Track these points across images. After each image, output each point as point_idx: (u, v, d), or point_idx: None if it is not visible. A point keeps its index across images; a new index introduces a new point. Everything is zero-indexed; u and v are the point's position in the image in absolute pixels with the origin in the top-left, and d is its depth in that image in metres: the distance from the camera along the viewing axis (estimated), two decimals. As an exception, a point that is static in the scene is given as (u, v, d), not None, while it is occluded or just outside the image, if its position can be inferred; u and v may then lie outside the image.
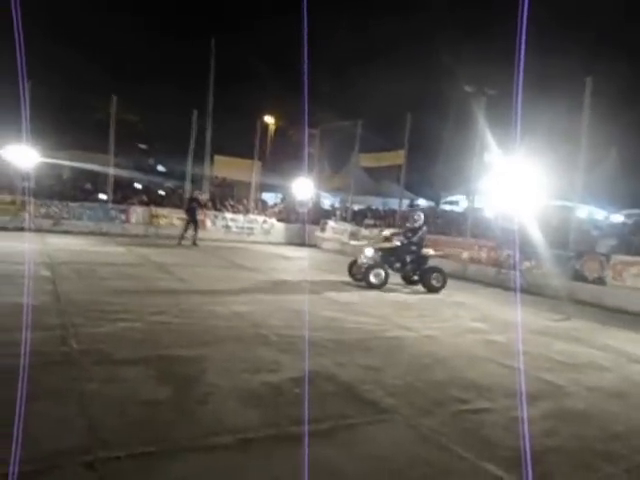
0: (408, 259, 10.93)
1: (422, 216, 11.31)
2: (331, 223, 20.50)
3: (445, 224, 17.17)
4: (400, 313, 8.19)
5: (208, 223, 19.77)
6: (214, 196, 22.44)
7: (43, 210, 17.23)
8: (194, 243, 16.64)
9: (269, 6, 31.46)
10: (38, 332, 5.16)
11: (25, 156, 16.89)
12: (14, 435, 3.03)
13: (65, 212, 17.72)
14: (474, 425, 3.96)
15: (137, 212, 19.16)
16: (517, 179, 12.14)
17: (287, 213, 22.53)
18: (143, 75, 30.21)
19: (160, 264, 11.52)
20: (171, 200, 21.41)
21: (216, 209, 20.94)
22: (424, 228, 11.17)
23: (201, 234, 17.37)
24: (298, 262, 14.78)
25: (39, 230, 15.81)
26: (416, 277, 11.05)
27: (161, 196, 22.74)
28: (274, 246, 19.54)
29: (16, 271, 8.65)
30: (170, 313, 6.67)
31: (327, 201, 28.00)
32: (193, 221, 16.96)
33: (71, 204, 17.99)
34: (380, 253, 10.80)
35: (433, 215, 18.62)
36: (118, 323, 5.93)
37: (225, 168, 23.15)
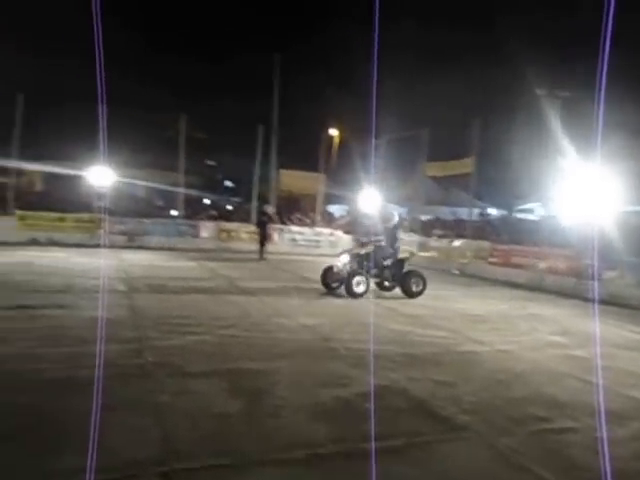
0: (385, 263, 10.27)
1: (396, 215, 10.86)
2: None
3: (519, 233, 16.51)
4: (472, 326, 7.89)
5: (275, 237, 20.05)
6: (280, 210, 22.77)
7: (119, 227, 18.06)
8: (262, 257, 16.90)
9: (331, 18, 31.71)
10: (115, 345, 5.35)
11: (103, 176, 17.85)
12: (92, 445, 3.11)
13: (139, 229, 18.51)
14: (556, 445, 3.70)
15: (206, 227, 19.72)
16: (595, 184, 11.49)
17: (353, 225, 22.47)
18: (211, 92, 31.23)
19: (229, 278, 11.76)
20: (239, 215, 21.90)
21: (283, 223, 21.20)
22: (399, 228, 10.66)
23: (269, 248, 17.61)
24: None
25: (115, 246, 16.56)
26: (387, 283, 10.42)
27: (229, 211, 23.32)
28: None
29: (94, 286, 9.08)
30: (239, 326, 6.75)
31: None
32: (263, 235, 17.26)
33: (144, 221, 18.77)
34: (357, 259, 10.17)
35: (506, 224, 17.97)
36: (189, 336, 6.05)
37: (291, 181, 23.47)
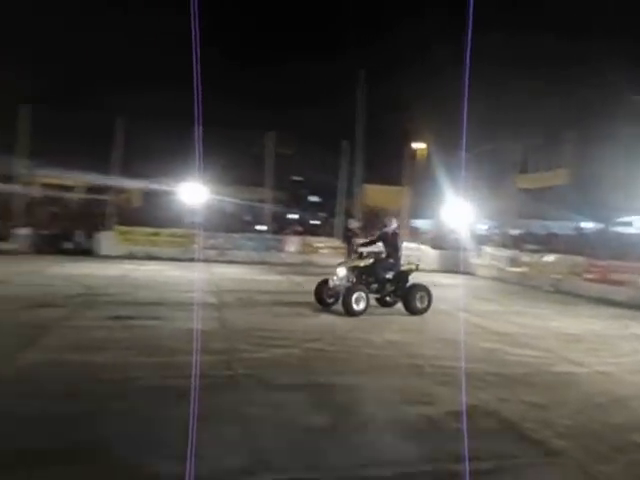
0: (387, 277, 9.31)
1: (394, 220, 9.88)
2: (488, 249, 19.58)
3: (618, 248, 15.43)
4: (567, 346, 7.46)
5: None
6: (365, 224, 22.79)
7: (210, 242, 18.87)
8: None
9: (413, 31, 31.62)
10: (206, 356, 5.56)
11: (196, 193, 18.79)
12: (186, 452, 3.27)
13: (229, 243, 19.23)
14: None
15: (292, 242, 20.12)
16: None
17: (440, 239, 22.04)
18: (295, 108, 31.95)
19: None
20: (324, 229, 22.17)
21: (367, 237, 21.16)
22: (399, 235, 9.65)
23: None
24: (452, 290, 14.29)
25: (207, 260, 17.30)
26: (389, 298, 9.56)
27: (314, 226, 23.68)
28: (427, 273, 19.10)
29: (186, 298, 9.54)
30: (325, 340, 6.82)
31: (483, 226, 26.88)
32: (349, 250, 17.34)
33: (234, 236, 19.48)
34: (355, 272, 9.22)
35: (603, 238, 16.87)
36: (276, 349, 6.21)
37: (375, 196, 23.47)
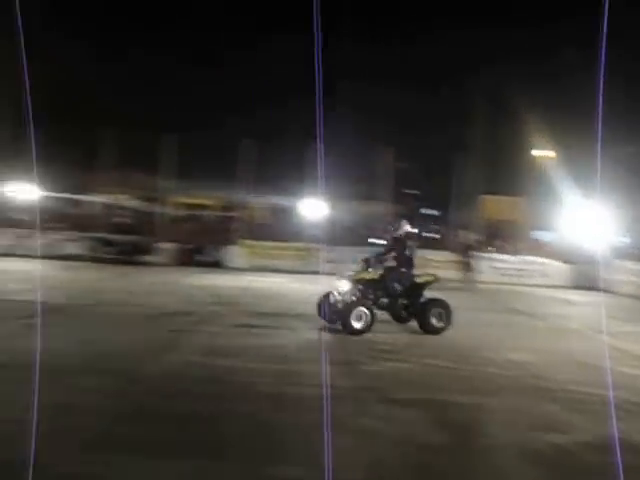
0: (398, 290, 8.17)
1: (405, 223, 8.59)
2: (627, 264, 17.87)
3: None
4: None
5: (478, 265, 19.32)
6: (483, 237, 21.93)
7: (329, 255, 19.18)
8: (467, 286, 16.39)
9: (531, 39, 30.03)
10: (327, 366, 5.64)
11: (316, 208, 19.33)
12: (304, 458, 3.34)
13: (346, 256, 19.41)
14: None
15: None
16: None
17: (569, 252, 20.53)
18: (409, 120, 31.63)
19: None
20: (441, 243, 21.67)
21: (486, 250, 20.37)
22: (412, 242, 8.45)
23: (472, 277, 17.03)
24: (585, 308, 13.24)
25: (327, 273, 17.58)
26: (405, 313, 8.34)
27: (430, 239, 23.23)
28: (555, 289, 17.93)
29: (310, 310, 9.70)
30: (444, 357, 6.62)
31: (621, 238, 24.61)
32: (467, 264, 16.81)
33: (351, 249, 19.66)
34: (360, 286, 8.19)
35: None
36: (395, 363, 6.15)
37: (494, 207, 22.50)
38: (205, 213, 24.74)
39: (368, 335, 7.70)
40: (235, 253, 19.39)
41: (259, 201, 23.20)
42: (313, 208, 19.51)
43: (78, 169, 24.66)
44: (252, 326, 7.95)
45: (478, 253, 19.28)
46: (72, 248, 18.93)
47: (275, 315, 9.19)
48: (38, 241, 18.83)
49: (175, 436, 3.79)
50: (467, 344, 7.54)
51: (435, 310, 8.13)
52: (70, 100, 25.26)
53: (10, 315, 7.83)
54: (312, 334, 7.40)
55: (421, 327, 8.12)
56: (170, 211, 22.11)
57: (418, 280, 8.36)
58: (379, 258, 8.40)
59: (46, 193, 20.90)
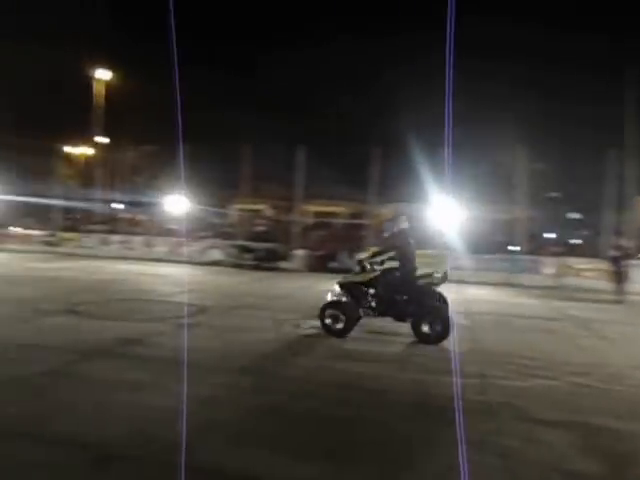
0: (386, 292, 7.55)
1: (401, 220, 7.90)
2: None
3: None
4: None
5: (633, 274, 17.49)
6: (636, 243, 19.82)
7: (460, 262, 18.60)
8: (620, 297, 14.92)
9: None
10: (459, 378, 5.49)
11: (448, 213, 18.86)
12: (438, 475, 3.26)
13: (479, 264, 18.70)
14: None
15: (549, 263, 18.61)
16: None
17: None
18: (549, 120, 29.68)
19: (578, 319, 10.74)
20: (586, 249, 20.01)
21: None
22: (404, 237, 7.70)
23: (627, 287, 15.44)
24: None
25: (457, 281, 17.07)
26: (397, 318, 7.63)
27: (575, 245, 21.55)
28: None
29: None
30: (594, 375, 6.07)
31: None
32: (618, 272, 15.29)
33: (485, 256, 18.89)
34: (350, 290, 7.75)
35: None
36: (535, 379, 5.77)
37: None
38: (335, 221, 25.40)
39: (507, 348, 7.35)
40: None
41: (387, 209, 23.30)
42: (443, 214, 19.05)
43: (221, 183, 26.73)
44: (384, 333, 7.96)
45: (633, 261, 17.46)
46: (216, 255, 20.48)
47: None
48: (187, 248, 20.75)
49: (309, 436, 3.94)
50: (621, 362, 6.85)
51: (430, 317, 7.43)
52: (211, 119, 27.58)
53: (166, 316, 8.67)
54: (445, 344, 7.23)
55: (415, 334, 7.49)
56: (302, 219, 23.02)
57: (420, 283, 7.76)
58: (374, 259, 7.97)
59: (195, 205, 22.96)
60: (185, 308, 9.28)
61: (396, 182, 23.79)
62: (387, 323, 7.94)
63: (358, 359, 6.36)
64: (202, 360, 5.87)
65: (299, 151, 20.74)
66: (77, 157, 36.28)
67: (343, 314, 7.60)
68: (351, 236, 21.76)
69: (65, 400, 4.48)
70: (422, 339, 7.39)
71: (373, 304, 7.81)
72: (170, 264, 19.55)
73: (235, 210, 26.93)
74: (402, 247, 7.69)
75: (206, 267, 18.92)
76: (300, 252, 20.34)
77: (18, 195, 23.13)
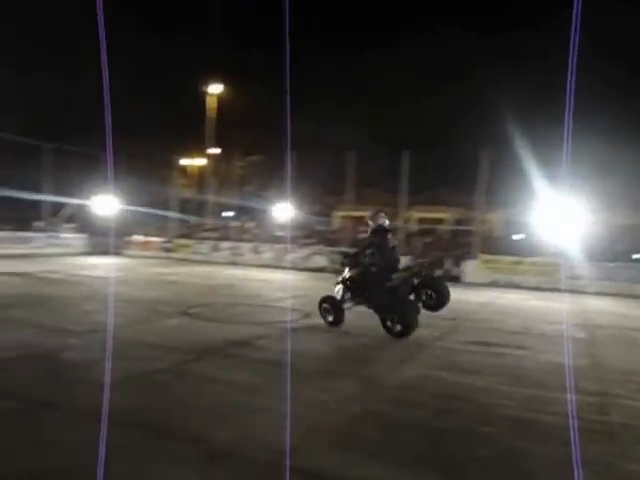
0: (371, 290, 7.81)
1: (380, 217, 8.07)
2: None
3: None
4: None
5: None
6: None
7: (576, 271, 17.42)
8: None
9: None
10: (574, 395, 5.15)
11: (558, 220, 17.72)
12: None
13: (599, 273, 17.36)
14: None
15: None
16: None
17: None
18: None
19: None
20: None
21: None
22: (381, 234, 7.95)
23: None
24: None
25: (572, 291, 16.00)
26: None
27: None
28: None
29: (554, 330, 9.04)
30: None
31: None
32: None
33: (605, 265, 17.51)
34: (344, 286, 8.29)
35: None
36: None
37: None
38: (441, 227, 24.86)
39: (629, 365, 6.77)
40: (473, 268, 18.94)
41: (495, 215, 22.41)
42: (557, 220, 17.88)
43: (325, 190, 27.24)
44: (493, 344, 7.66)
45: None
46: (320, 261, 20.85)
47: (517, 333, 8.70)
48: (292, 255, 21.36)
49: (411, 446, 3.89)
50: None
51: (400, 313, 7.62)
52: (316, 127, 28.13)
53: (271, 320, 9.04)
54: (559, 358, 6.79)
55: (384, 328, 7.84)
56: (407, 226, 22.78)
57: (396, 278, 7.74)
58: (354, 257, 8.27)
59: (300, 213, 23.62)
60: (289, 313, 9.56)
61: (505, 186, 22.77)
62: (492, 334, 7.62)
63: (466, 370, 6.17)
64: (307, 364, 6.02)
65: (403, 156, 20.57)
66: (192, 168, 38.73)
67: (332, 307, 8.36)
68: (457, 243, 21.18)
69: (181, 396, 4.79)
70: (390, 333, 7.75)
71: (359, 299, 8.21)
72: (276, 270, 20.24)
73: (339, 217, 27.30)
74: (378, 244, 7.93)
75: (310, 273, 19.34)
76: (404, 259, 20.18)
77: (141, 205, 25.07)
